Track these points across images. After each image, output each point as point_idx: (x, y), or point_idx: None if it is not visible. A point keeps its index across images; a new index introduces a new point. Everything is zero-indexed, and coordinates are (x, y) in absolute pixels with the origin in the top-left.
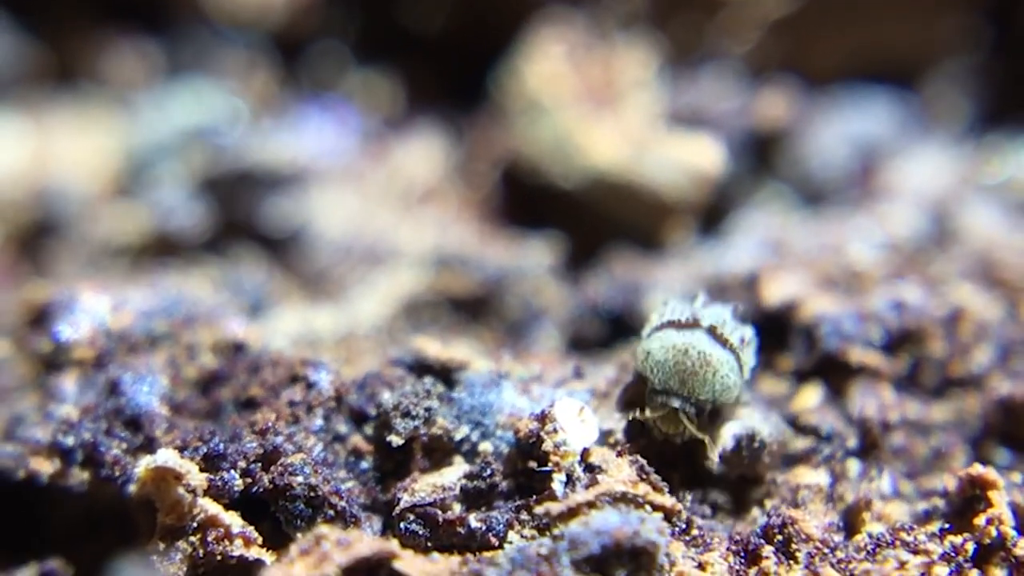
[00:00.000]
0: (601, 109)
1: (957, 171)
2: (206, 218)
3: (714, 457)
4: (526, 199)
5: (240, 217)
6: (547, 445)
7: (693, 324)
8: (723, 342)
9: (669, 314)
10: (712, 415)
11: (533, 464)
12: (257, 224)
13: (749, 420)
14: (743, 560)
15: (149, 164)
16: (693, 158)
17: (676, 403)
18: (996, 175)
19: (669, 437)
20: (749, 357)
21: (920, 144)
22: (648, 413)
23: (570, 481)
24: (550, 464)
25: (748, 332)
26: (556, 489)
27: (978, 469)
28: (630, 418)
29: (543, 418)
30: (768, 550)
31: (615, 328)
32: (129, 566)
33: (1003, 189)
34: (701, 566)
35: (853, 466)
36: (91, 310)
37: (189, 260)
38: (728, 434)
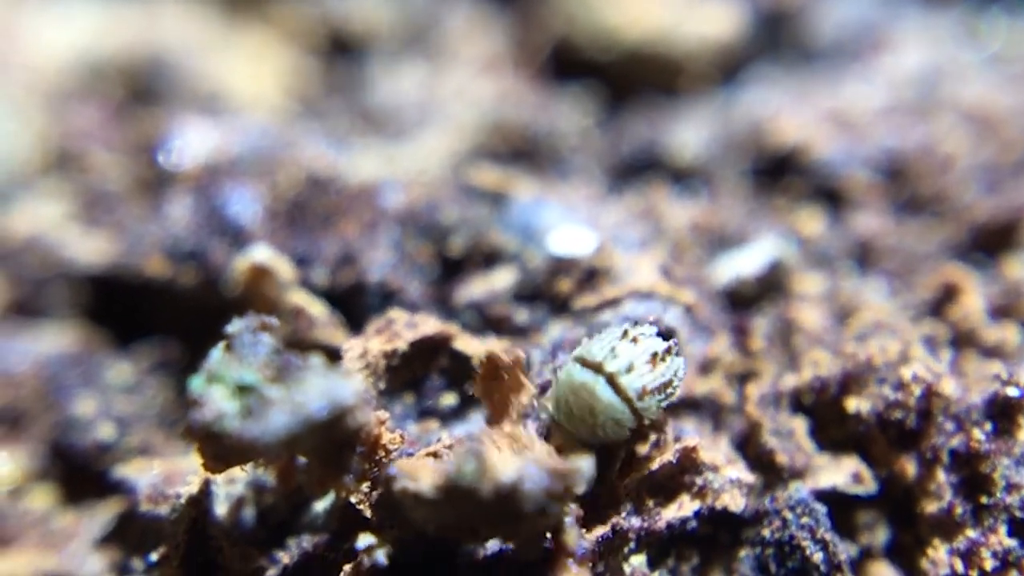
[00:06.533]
0: None
1: (954, 42)
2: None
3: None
4: (570, 68)
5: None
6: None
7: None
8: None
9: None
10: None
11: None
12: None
13: (775, 247)
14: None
15: None
16: (714, 28)
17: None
18: (991, 46)
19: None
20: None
21: (921, 16)
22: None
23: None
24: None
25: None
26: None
27: (952, 271)
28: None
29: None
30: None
31: (645, 163)
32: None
33: (996, 60)
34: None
35: (849, 275)
36: (199, 138)
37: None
38: (763, 259)
